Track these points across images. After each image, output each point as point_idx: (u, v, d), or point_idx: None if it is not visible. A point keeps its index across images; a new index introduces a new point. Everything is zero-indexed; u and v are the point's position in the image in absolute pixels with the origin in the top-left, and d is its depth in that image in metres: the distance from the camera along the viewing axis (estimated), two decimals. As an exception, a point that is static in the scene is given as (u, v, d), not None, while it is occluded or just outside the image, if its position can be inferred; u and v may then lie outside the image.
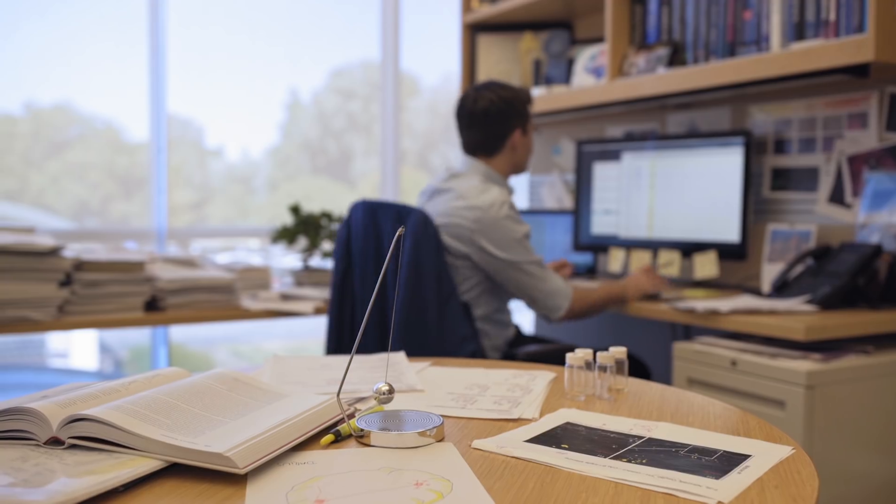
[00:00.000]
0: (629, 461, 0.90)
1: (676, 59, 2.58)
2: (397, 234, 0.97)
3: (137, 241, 3.29)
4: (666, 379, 2.36)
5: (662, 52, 2.58)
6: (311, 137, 3.85)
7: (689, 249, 2.62)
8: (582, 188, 2.95)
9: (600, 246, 2.90)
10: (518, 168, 2.38)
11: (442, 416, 1.03)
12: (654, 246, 2.71)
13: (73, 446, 0.89)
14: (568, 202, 3.34)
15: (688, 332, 2.80)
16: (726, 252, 2.54)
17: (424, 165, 4.27)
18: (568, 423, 1.05)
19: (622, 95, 2.63)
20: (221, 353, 4.13)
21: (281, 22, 3.65)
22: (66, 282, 2.22)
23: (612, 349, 1.21)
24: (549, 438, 0.99)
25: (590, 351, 1.20)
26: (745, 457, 0.92)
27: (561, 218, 3.12)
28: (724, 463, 0.89)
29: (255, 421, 0.95)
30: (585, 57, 2.92)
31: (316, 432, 0.98)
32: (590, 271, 3.06)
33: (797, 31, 2.23)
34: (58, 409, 0.92)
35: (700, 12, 2.52)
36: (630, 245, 2.78)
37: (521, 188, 3.62)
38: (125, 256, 2.36)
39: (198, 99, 3.45)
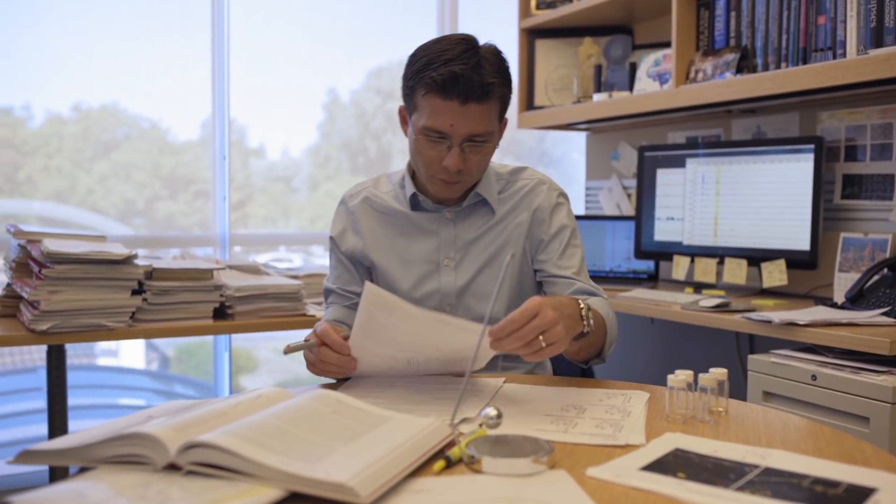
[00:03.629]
0: (753, 493, 0.88)
1: (745, 64, 2.54)
2: (509, 256, 0.96)
3: (193, 246, 3.32)
4: (739, 392, 2.32)
5: (730, 57, 2.54)
6: (350, 137, 3.86)
7: (756, 257, 2.58)
8: (644, 194, 2.91)
9: (663, 253, 2.86)
10: (413, 165, 1.63)
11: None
12: (719, 253, 2.67)
13: (189, 472, 0.89)
14: (627, 208, 3.31)
15: (752, 344, 2.76)
16: (795, 261, 2.49)
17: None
18: (678, 450, 1.03)
19: (689, 102, 2.59)
20: (264, 352, 4.16)
21: (326, 24, 3.66)
22: (138, 290, 2.24)
23: (713, 370, 1.19)
24: (662, 466, 0.97)
25: (690, 373, 1.18)
26: (872, 490, 0.89)
27: (621, 224, 3.09)
28: (852, 496, 0.87)
29: (366, 446, 0.95)
30: (649, 62, 2.89)
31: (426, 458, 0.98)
32: (651, 278, 3.03)
33: (875, 36, 2.18)
34: (174, 433, 0.92)
35: (771, 17, 2.47)
36: (695, 253, 2.75)
37: (578, 193, 3.59)
38: (195, 264, 2.38)
39: (239, 99, 3.46)
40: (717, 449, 1.03)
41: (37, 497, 0.81)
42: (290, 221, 3.80)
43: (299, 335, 4.19)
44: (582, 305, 1.30)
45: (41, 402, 3.52)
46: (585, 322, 1.29)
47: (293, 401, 1.07)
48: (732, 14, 2.60)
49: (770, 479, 0.92)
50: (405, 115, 1.59)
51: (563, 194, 1.72)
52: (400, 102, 1.61)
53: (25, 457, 0.96)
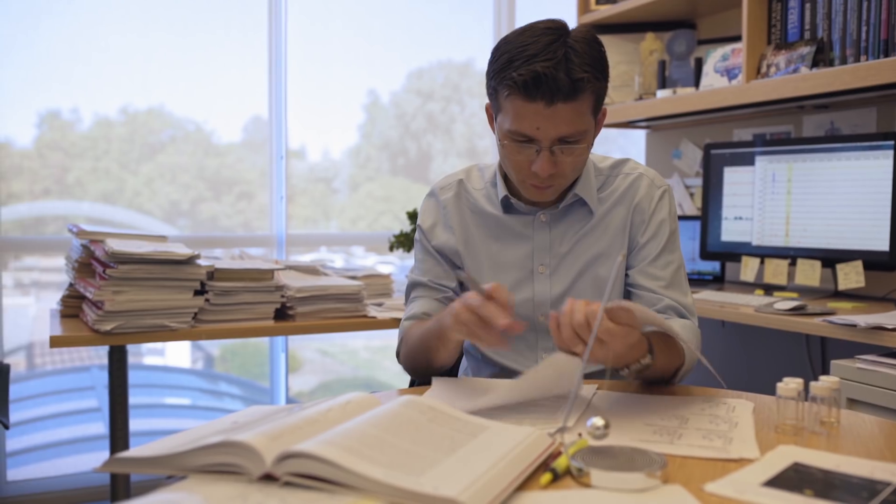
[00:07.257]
0: (894, 515, 0.81)
1: (820, 58, 2.44)
2: (620, 257, 0.90)
3: (240, 246, 3.31)
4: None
5: (805, 50, 2.44)
6: (390, 138, 3.82)
7: (830, 258, 2.48)
8: (710, 193, 2.82)
9: (731, 254, 2.77)
10: (503, 167, 1.52)
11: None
12: (791, 254, 2.58)
13: (286, 483, 0.85)
14: (689, 207, 3.22)
15: (823, 349, 2.65)
16: (873, 262, 2.39)
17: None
18: (797, 464, 0.96)
19: (760, 97, 2.50)
20: (307, 352, 4.14)
21: (371, 25, 3.63)
22: (200, 290, 2.22)
23: (824, 379, 1.12)
24: (785, 482, 0.90)
25: (800, 381, 1.11)
26: None
27: (684, 224, 3.00)
28: None
29: (469, 458, 0.90)
30: (716, 57, 2.80)
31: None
32: (716, 280, 2.94)
33: (964, 26, 2.08)
34: (269, 442, 0.87)
35: (849, 9, 2.37)
36: (765, 253, 2.65)
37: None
38: (255, 264, 2.35)
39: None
40: (839, 464, 0.96)
41: (133, 508, 0.77)
42: (330, 222, 3.78)
43: (361, 336, 4.12)
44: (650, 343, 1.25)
45: (94, 401, 3.54)
46: (647, 355, 1.24)
47: (384, 408, 1.02)
48: (807, 6, 2.50)
49: (908, 499, 0.85)
50: (492, 114, 1.46)
51: (666, 190, 1.56)
52: (485, 100, 1.49)
53: (114, 464, 0.93)
